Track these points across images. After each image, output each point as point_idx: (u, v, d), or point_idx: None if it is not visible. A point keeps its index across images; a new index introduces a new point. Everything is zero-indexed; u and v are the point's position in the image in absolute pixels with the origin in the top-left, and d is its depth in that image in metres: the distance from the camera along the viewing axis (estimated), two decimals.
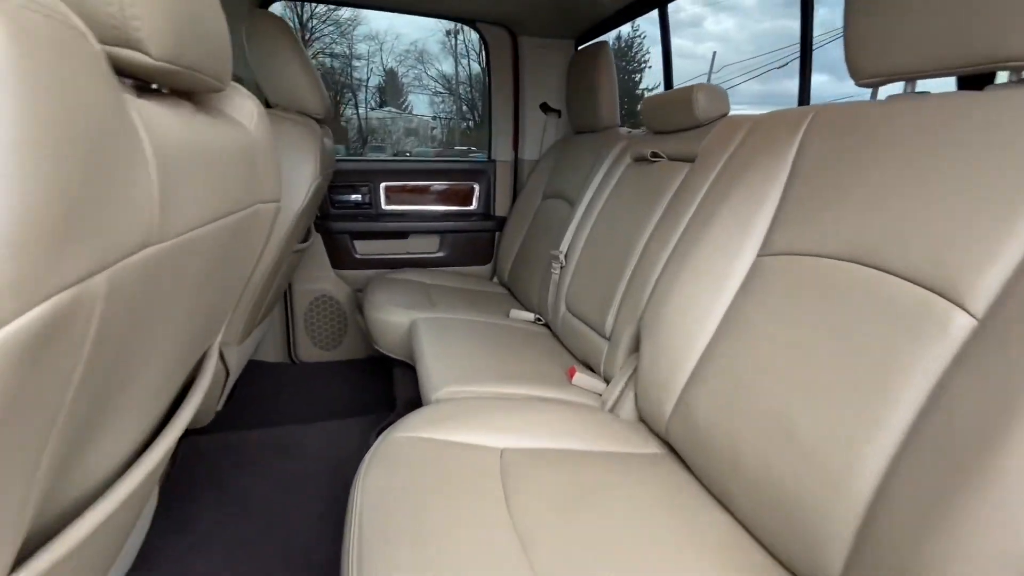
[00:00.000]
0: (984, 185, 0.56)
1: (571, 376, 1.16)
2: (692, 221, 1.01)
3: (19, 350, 0.23)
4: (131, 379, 0.42)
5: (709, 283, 0.91)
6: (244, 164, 0.55)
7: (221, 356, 1.32)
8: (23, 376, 0.25)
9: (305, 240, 1.67)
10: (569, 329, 1.37)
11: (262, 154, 0.62)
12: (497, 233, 2.17)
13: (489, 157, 2.18)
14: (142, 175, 0.32)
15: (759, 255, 0.87)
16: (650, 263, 1.08)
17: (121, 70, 0.37)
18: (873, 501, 0.53)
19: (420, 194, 2.12)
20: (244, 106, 0.61)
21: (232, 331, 1.32)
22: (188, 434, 1.38)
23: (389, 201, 2.09)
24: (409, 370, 1.53)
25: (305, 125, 1.29)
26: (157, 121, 0.35)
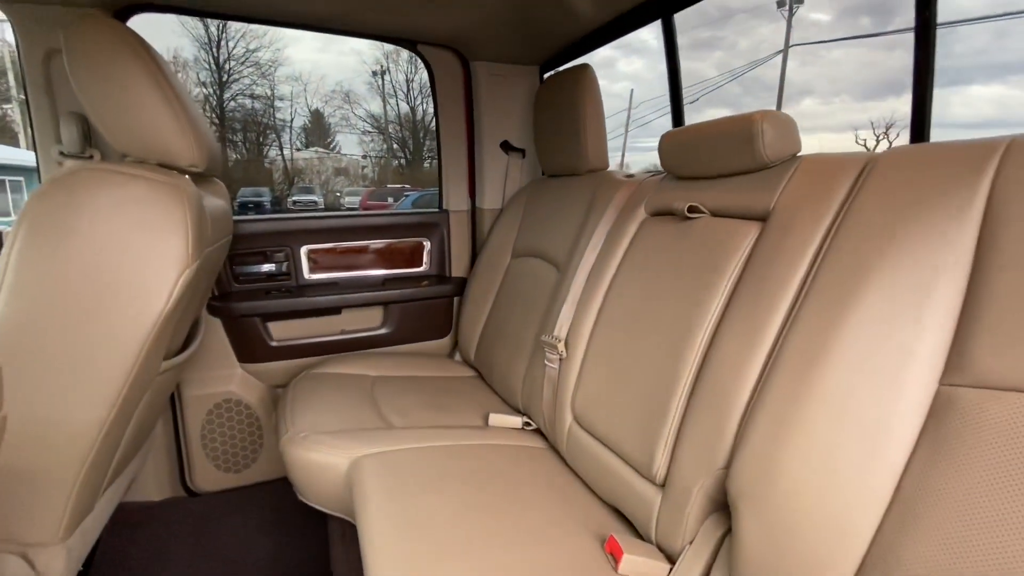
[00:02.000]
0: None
1: (611, 551, 0.75)
2: (803, 316, 0.65)
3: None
4: None
5: (859, 423, 0.55)
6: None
7: (31, 565, 0.79)
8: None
9: (186, 347, 1.16)
10: (585, 455, 0.97)
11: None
12: (456, 298, 1.75)
13: (441, 207, 1.78)
14: None
15: (943, 383, 0.52)
16: (729, 376, 0.71)
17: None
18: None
19: (355, 256, 1.66)
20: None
21: (51, 520, 0.79)
22: None
23: (314, 268, 1.61)
24: (350, 526, 1.06)
25: (168, 184, 0.81)
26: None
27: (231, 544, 1.33)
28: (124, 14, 1.22)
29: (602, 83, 1.32)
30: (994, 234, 0.52)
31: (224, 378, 1.50)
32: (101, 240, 0.76)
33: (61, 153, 1.17)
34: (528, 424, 1.20)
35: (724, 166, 0.86)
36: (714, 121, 0.87)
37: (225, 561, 1.27)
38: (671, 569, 0.73)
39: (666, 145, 0.98)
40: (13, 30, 1.15)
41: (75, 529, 0.82)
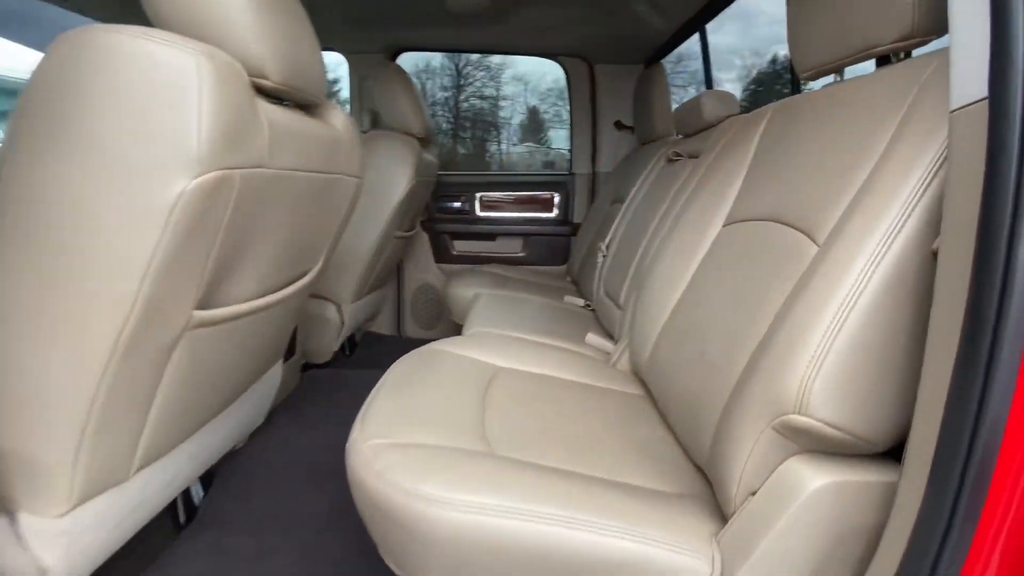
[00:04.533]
0: (840, 150, 0.71)
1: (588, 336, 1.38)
2: (682, 205, 1.19)
3: (199, 194, 0.60)
4: (249, 251, 0.79)
5: (684, 252, 1.09)
6: (329, 146, 0.93)
7: (338, 310, 1.80)
8: (197, 213, 0.61)
9: (409, 231, 2.12)
10: (602, 308, 1.58)
11: (344, 144, 1.00)
12: (572, 237, 2.44)
13: (570, 171, 2.47)
14: (261, 135, 0.69)
15: (724, 226, 1.03)
16: (652, 243, 1.27)
17: (260, 90, 0.75)
18: (738, 380, 0.66)
19: (508, 202, 2.48)
20: (336, 116, 1.00)
21: (346, 291, 1.78)
22: (309, 367, 1.87)
23: (483, 208, 2.49)
24: None
25: (405, 141, 1.73)
26: (271, 113, 0.73)
27: None
28: (395, 55, 2.24)
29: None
30: (757, 154, 1.00)
31: (426, 270, 2.49)
32: (381, 163, 1.70)
33: (363, 132, 2.25)
34: (588, 305, 1.83)
35: (694, 125, 1.38)
36: (691, 99, 1.39)
37: None
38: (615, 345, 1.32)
39: (676, 114, 1.51)
40: (349, 65, 2.26)
41: (358, 300, 1.82)
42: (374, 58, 2.17)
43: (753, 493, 0.58)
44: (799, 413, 0.53)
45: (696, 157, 1.32)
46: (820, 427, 0.52)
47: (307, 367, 1.87)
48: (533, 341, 1.29)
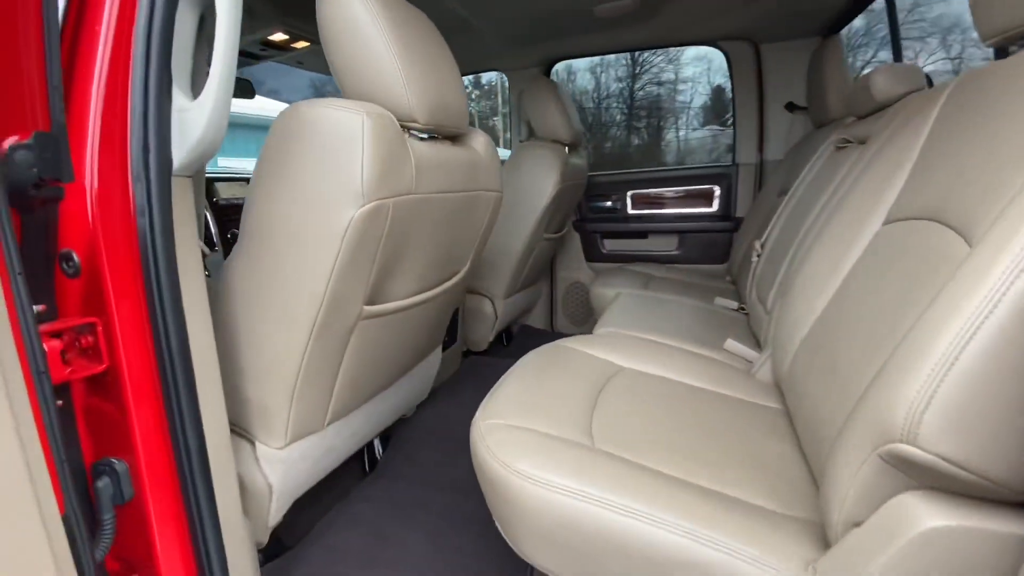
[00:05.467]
0: (1014, 133, 0.58)
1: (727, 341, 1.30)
2: (839, 200, 1.05)
3: (363, 219, 0.79)
4: (405, 258, 0.97)
5: (835, 253, 0.97)
6: (470, 168, 1.08)
7: (492, 304, 2.00)
8: (363, 233, 0.80)
9: (558, 232, 2.22)
10: (753, 312, 1.47)
11: (484, 165, 1.14)
12: (735, 233, 2.26)
13: (733, 161, 2.29)
14: (409, 168, 0.86)
15: (884, 224, 0.90)
16: (804, 241, 1.14)
17: (412, 130, 0.93)
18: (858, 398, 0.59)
19: (661, 199, 2.42)
20: (478, 140, 1.15)
21: (499, 287, 1.97)
22: (469, 354, 2.11)
23: (635, 206, 2.46)
24: None
25: (551, 149, 1.84)
26: (418, 148, 0.90)
27: None
28: (549, 66, 2.36)
29: None
30: (929, 139, 0.85)
31: (577, 268, 2.57)
32: (530, 170, 1.84)
33: (520, 142, 2.43)
34: (742, 308, 1.70)
35: (864, 107, 1.19)
36: (863, 75, 1.20)
37: None
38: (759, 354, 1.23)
39: (847, 91, 1.31)
40: (508, 81, 2.46)
41: (509, 297, 2.00)
42: (530, 72, 2.32)
43: (858, 524, 0.54)
44: (906, 442, 0.48)
45: (865, 143, 1.14)
46: (934, 461, 0.46)
47: (468, 353, 2.13)
48: (663, 343, 1.28)
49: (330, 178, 0.77)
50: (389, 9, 0.85)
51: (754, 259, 1.60)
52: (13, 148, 0.55)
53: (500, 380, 1.01)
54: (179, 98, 0.69)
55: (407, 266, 1.00)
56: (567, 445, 0.76)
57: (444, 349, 1.79)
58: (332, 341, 0.89)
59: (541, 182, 1.83)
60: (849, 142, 1.23)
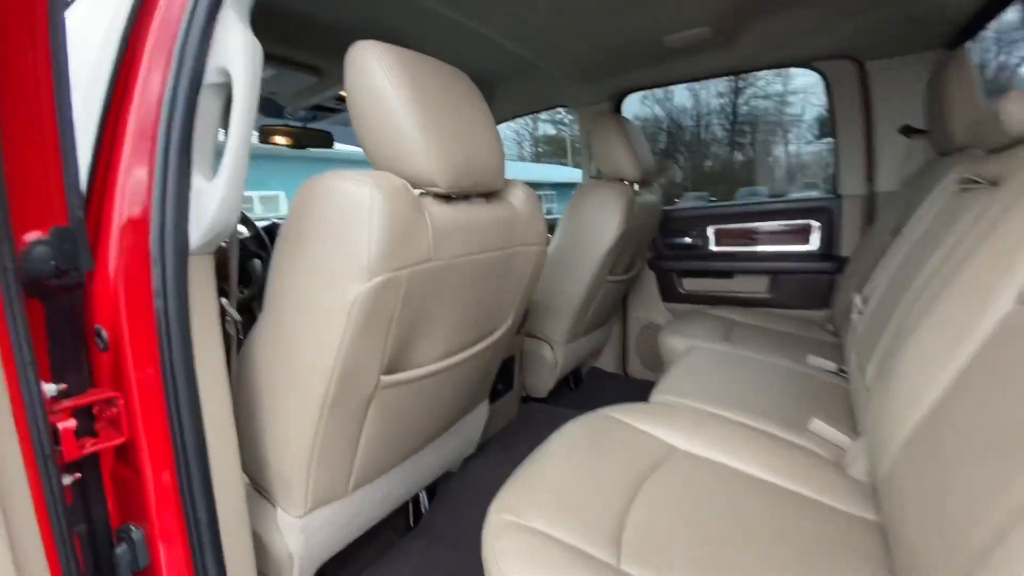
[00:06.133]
0: None
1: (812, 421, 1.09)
2: (961, 256, 0.83)
3: (372, 294, 0.75)
4: (426, 326, 0.93)
5: (951, 332, 0.77)
6: (504, 225, 1.02)
7: (552, 349, 1.90)
8: (372, 307, 0.77)
9: (625, 274, 2.08)
10: (853, 381, 1.22)
11: (522, 219, 1.08)
12: (838, 275, 1.96)
13: (835, 192, 2.00)
14: (425, 236, 0.82)
15: (1018, 303, 0.68)
16: (916, 302, 0.92)
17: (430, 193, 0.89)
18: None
19: (749, 235, 2.17)
20: (516, 194, 1.09)
21: (558, 332, 1.88)
22: (529, 399, 2.03)
23: (718, 242, 2.24)
24: None
25: (615, 189, 1.72)
26: (438, 214, 0.86)
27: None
28: (620, 99, 2.26)
29: None
30: None
31: (652, 308, 2.39)
32: (591, 212, 1.74)
33: (591, 176, 2.33)
34: (843, 371, 1.44)
35: (996, 139, 0.94)
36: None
37: None
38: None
39: (972, 117, 1.06)
40: (577, 117, 2.38)
41: (572, 343, 1.89)
42: (599, 108, 2.24)
43: None
44: None
45: (997, 184, 0.90)
46: None
47: (528, 399, 2.04)
48: (732, 419, 1.10)
49: (338, 253, 0.75)
50: (413, 78, 0.83)
51: (855, 316, 1.35)
52: (33, 244, 0.59)
53: (531, 456, 0.92)
54: (198, 179, 0.71)
55: (431, 332, 0.96)
56: (583, 564, 0.65)
57: (498, 397, 1.72)
58: (347, 413, 0.87)
59: (603, 224, 1.72)
60: (976, 182, 0.99)
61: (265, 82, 1.72)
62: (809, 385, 1.34)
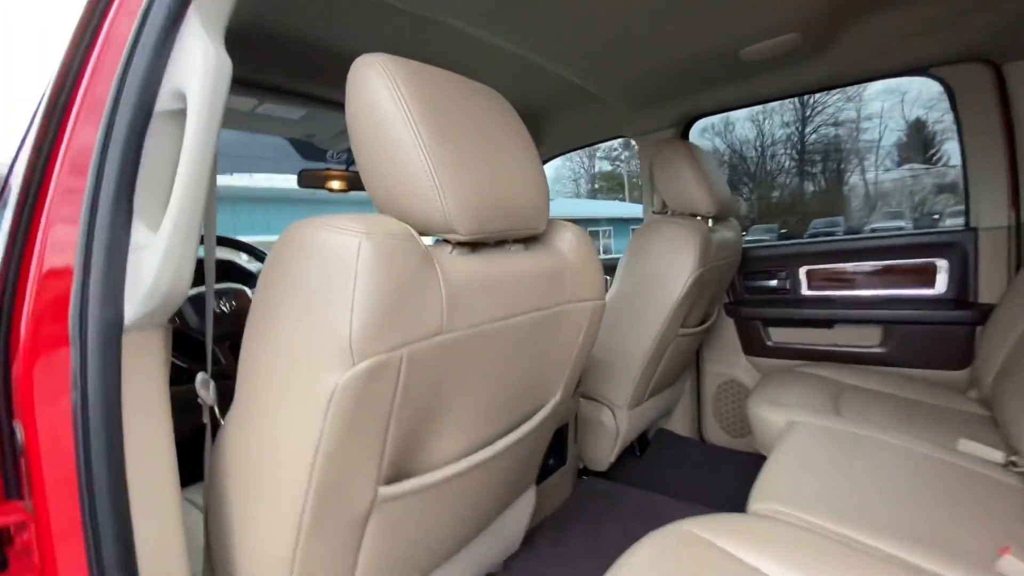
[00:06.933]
0: None
1: (1002, 555, 0.74)
2: None
3: (355, 384, 0.54)
4: (442, 416, 0.70)
5: None
6: (547, 278, 0.79)
7: (613, 414, 1.61)
8: (356, 402, 0.55)
9: (700, 325, 1.77)
10: None
11: (571, 268, 0.84)
12: (980, 327, 1.55)
13: (967, 224, 1.62)
14: (435, 301, 0.61)
15: None
16: None
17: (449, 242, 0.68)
18: None
19: (851, 275, 1.81)
20: (563, 237, 0.86)
21: (620, 395, 1.59)
22: (587, 472, 1.73)
23: (811, 286, 1.89)
24: None
25: (687, 226, 1.45)
26: (455, 271, 0.64)
27: (724, 477, 1.83)
28: (687, 126, 2.00)
29: None
30: None
31: (732, 363, 2.04)
32: (658, 253, 1.48)
33: (653, 212, 2.07)
34: (1013, 463, 1.06)
35: None
36: None
37: (716, 483, 1.79)
38: None
39: None
40: (638, 147, 2.15)
41: (636, 407, 1.59)
42: (664, 134, 1.99)
43: None
44: None
45: None
46: None
47: (585, 472, 1.74)
48: (868, 546, 0.78)
49: (314, 327, 0.54)
50: (426, 95, 0.64)
51: None
52: None
53: None
54: (140, 233, 0.54)
55: (449, 424, 0.73)
56: None
57: (548, 475, 1.45)
58: (334, 537, 0.65)
59: (674, 267, 1.45)
60: None
61: (299, 123, 1.63)
62: (975, 487, 0.98)
